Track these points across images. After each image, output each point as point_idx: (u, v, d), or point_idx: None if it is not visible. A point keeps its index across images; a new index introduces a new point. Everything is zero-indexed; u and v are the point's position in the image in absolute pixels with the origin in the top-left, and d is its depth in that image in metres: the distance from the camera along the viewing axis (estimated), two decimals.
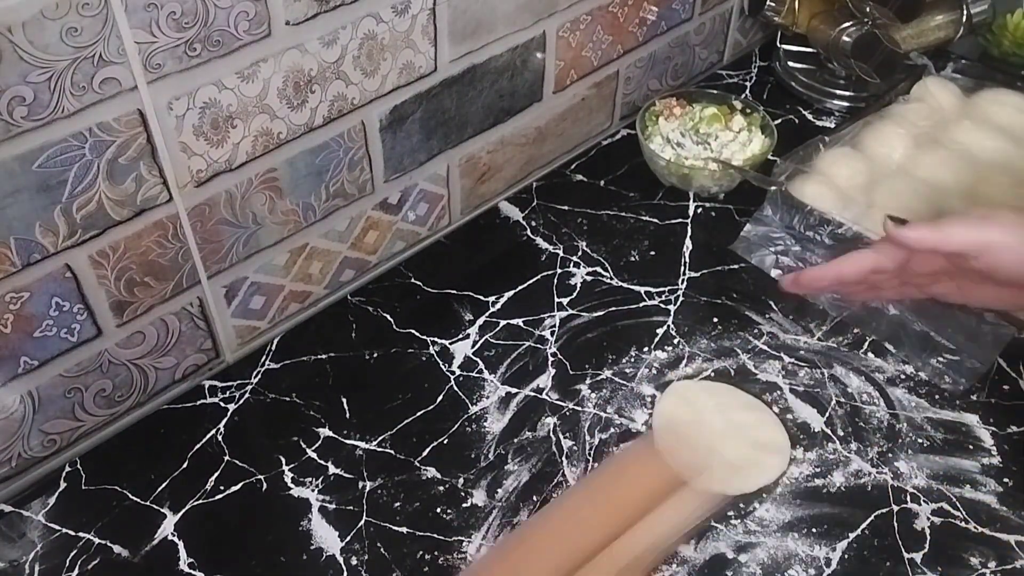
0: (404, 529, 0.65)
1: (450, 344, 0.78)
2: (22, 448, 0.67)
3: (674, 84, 1.08)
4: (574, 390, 0.74)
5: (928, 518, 0.65)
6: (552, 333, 0.79)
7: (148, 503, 0.67)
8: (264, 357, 0.78)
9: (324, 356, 0.78)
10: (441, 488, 0.68)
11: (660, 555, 0.60)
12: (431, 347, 0.78)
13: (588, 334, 0.79)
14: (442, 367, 0.77)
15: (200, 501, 0.67)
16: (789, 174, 0.87)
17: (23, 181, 0.57)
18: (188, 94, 0.62)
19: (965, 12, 1.03)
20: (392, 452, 0.70)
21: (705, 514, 0.61)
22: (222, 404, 0.74)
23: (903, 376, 0.75)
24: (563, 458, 0.70)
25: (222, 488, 0.68)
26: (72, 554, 0.64)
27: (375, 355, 0.78)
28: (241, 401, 0.75)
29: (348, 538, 0.65)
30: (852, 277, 0.64)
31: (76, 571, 0.63)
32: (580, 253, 0.87)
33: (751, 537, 0.64)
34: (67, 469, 0.70)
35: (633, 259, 0.87)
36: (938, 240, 0.59)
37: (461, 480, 0.68)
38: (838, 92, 1.07)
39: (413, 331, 0.80)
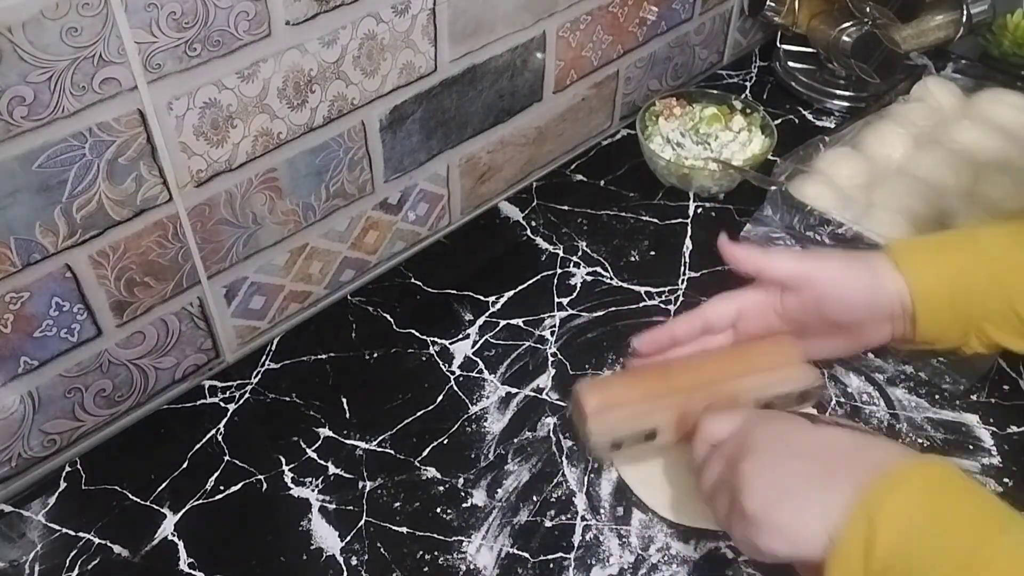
0: (404, 529, 0.65)
1: (450, 344, 0.78)
2: (22, 448, 0.67)
3: (674, 84, 1.08)
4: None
5: None
6: (552, 333, 0.79)
7: (148, 503, 0.67)
8: (264, 357, 0.78)
9: (324, 356, 0.78)
10: (441, 488, 0.68)
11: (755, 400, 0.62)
12: (431, 347, 0.78)
13: (588, 334, 0.79)
14: (442, 367, 0.77)
15: (200, 501, 0.67)
16: (789, 174, 0.87)
17: (23, 181, 0.57)
18: (188, 94, 0.62)
19: (965, 12, 1.03)
20: (392, 452, 0.70)
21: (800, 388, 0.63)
22: (222, 404, 0.74)
23: (903, 376, 0.75)
24: (563, 458, 0.70)
25: (222, 488, 0.68)
26: (72, 554, 0.64)
27: (375, 355, 0.78)
28: (241, 401, 0.75)
29: (348, 538, 0.65)
30: (683, 335, 0.65)
31: (76, 571, 0.63)
32: (580, 253, 0.87)
33: None
34: (67, 469, 0.70)
35: (633, 259, 0.87)
36: (763, 264, 0.62)
37: (461, 480, 0.68)
38: (838, 92, 1.07)
39: (413, 331, 0.80)
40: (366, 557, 0.64)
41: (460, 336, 0.79)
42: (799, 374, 0.63)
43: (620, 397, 0.62)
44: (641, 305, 0.82)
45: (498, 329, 0.80)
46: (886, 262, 0.60)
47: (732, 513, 0.52)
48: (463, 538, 0.65)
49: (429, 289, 0.84)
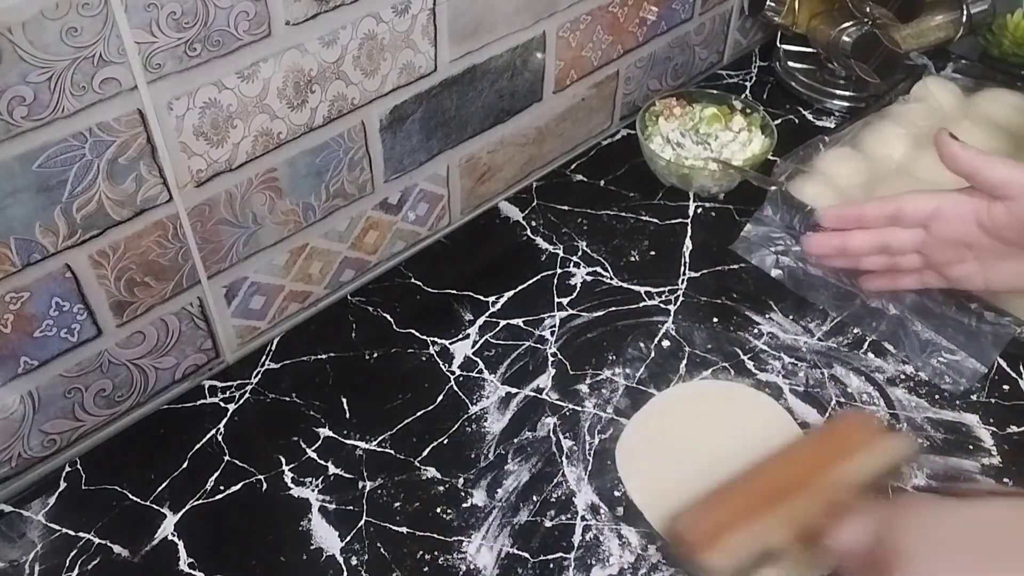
0: (404, 529, 0.65)
1: (450, 344, 0.78)
2: (22, 448, 0.67)
3: (674, 84, 1.08)
4: (574, 390, 0.74)
5: None
6: (552, 333, 0.79)
7: (148, 503, 0.67)
8: (264, 357, 0.78)
9: (324, 356, 0.78)
10: (441, 488, 0.68)
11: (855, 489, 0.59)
12: (431, 347, 0.78)
13: (588, 334, 0.79)
14: (442, 367, 0.77)
15: (200, 501, 0.67)
16: (789, 174, 0.87)
17: (23, 181, 0.57)
18: (188, 94, 0.62)
19: (965, 12, 1.03)
20: (392, 452, 0.70)
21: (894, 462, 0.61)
22: (222, 404, 0.74)
23: (903, 376, 0.75)
24: (563, 458, 0.70)
25: (222, 488, 0.68)
26: (72, 554, 0.64)
27: (375, 355, 0.78)
28: (241, 401, 0.75)
29: (348, 538, 0.65)
30: (872, 218, 0.61)
31: (76, 571, 0.63)
32: (580, 253, 0.87)
33: None
34: (67, 469, 0.70)
35: (633, 259, 0.87)
36: (980, 164, 0.58)
37: (461, 480, 0.68)
38: (838, 92, 1.07)
39: (413, 331, 0.80)
40: (366, 557, 0.64)
41: (460, 336, 0.79)
42: (892, 442, 0.62)
43: (726, 522, 0.58)
44: (641, 305, 0.82)
45: (498, 329, 0.80)
46: None
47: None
48: (463, 538, 0.65)
49: (429, 289, 0.84)
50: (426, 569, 0.63)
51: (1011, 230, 0.58)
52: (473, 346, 0.78)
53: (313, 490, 0.68)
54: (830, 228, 0.62)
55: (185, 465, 0.70)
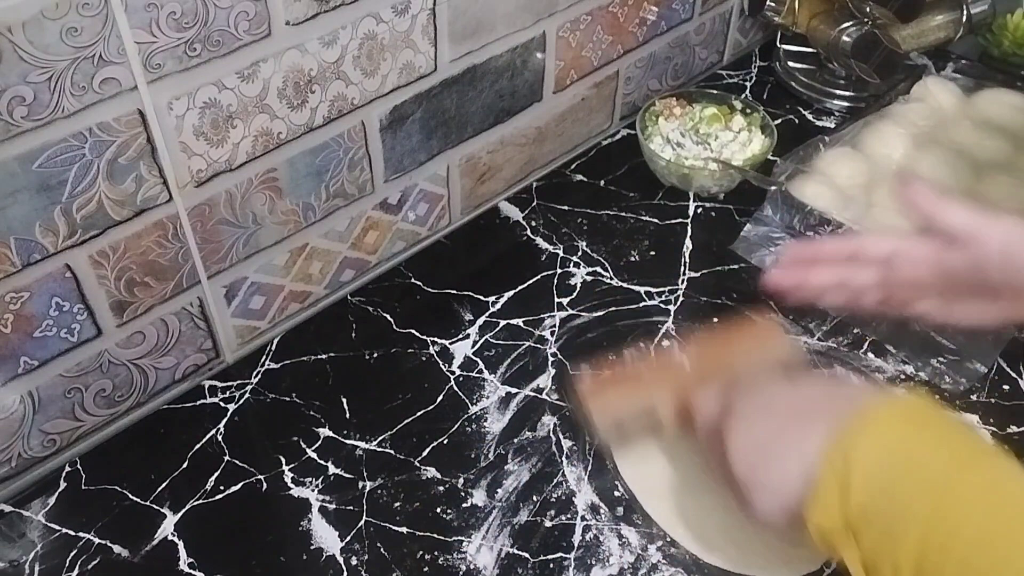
0: (404, 529, 0.65)
1: (450, 344, 0.78)
2: (22, 448, 0.67)
3: (674, 84, 1.08)
4: (574, 390, 0.74)
5: None
6: (552, 333, 0.79)
7: (148, 503, 0.67)
8: (264, 357, 0.78)
9: (324, 356, 0.78)
10: (441, 488, 0.68)
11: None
12: (431, 347, 0.78)
13: (588, 334, 0.79)
14: (442, 367, 0.77)
15: (200, 501, 0.67)
16: (789, 174, 0.87)
17: (23, 181, 0.57)
18: (188, 94, 0.62)
19: (965, 12, 1.03)
20: (392, 452, 0.70)
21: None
22: (222, 404, 0.74)
23: (903, 376, 0.75)
24: (563, 458, 0.70)
25: (222, 488, 0.68)
26: (72, 554, 0.64)
27: (375, 355, 0.78)
28: (241, 401, 0.75)
29: (348, 538, 0.65)
30: (830, 253, 0.64)
31: (76, 571, 0.63)
32: (580, 253, 0.87)
33: None
34: (67, 469, 0.70)
35: (633, 259, 0.87)
36: (937, 210, 0.59)
37: (461, 480, 0.68)
38: (838, 92, 1.07)
39: (413, 331, 0.80)
40: (366, 557, 0.64)
41: (460, 336, 0.79)
42: (778, 345, 0.67)
43: (618, 382, 0.66)
44: (641, 305, 0.82)
45: (498, 329, 0.80)
46: None
47: (734, 488, 0.53)
48: (463, 538, 0.65)
49: (429, 289, 0.84)
50: (426, 569, 0.63)
51: (965, 273, 0.59)
52: (473, 346, 0.78)
53: (313, 490, 0.68)
54: (787, 268, 0.64)
55: (185, 465, 0.70)
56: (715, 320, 0.79)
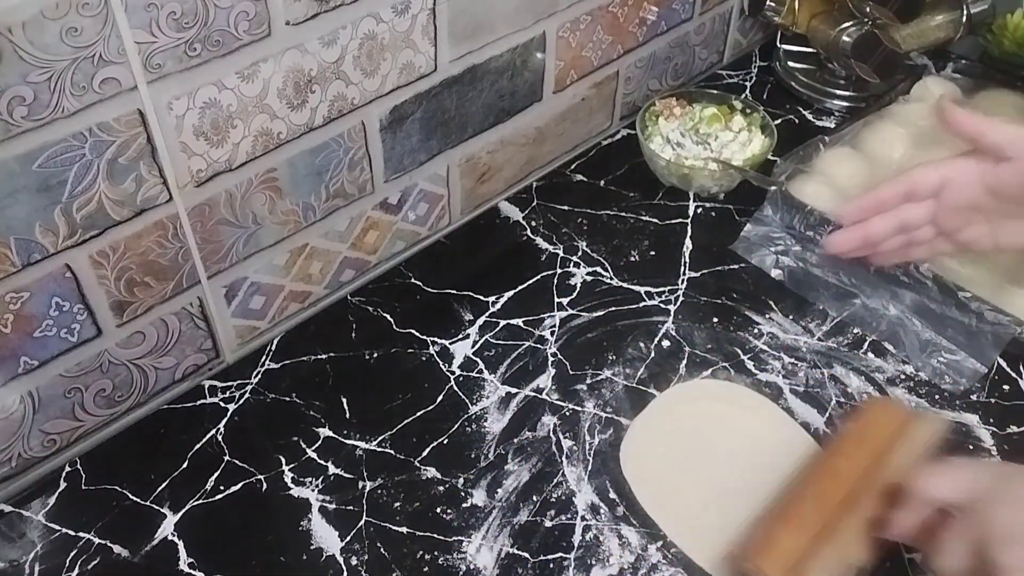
0: (404, 529, 0.65)
1: (450, 344, 0.78)
2: (22, 448, 0.67)
3: (674, 84, 1.08)
4: (574, 390, 0.74)
5: None
6: (552, 333, 0.79)
7: (148, 503, 0.67)
8: (264, 357, 0.78)
9: (324, 356, 0.78)
10: (441, 488, 0.68)
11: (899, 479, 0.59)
12: (431, 347, 0.78)
13: (588, 334, 0.79)
14: (442, 367, 0.77)
15: (200, 501, 0.67)
16: (789, 174, 0.87)
17: (23, 181, 0.57)
18: (188, 94, 0.62)
19: (965, 12, 1.03)
20: (392, 452, 0.70)
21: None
22: (222, 404, 0.74)
23: (903, 376, 0.75)
24: (563, 458, 0.70)
25: (222, 488, 0.68)
26: (72, 554, 0.64)
27: (375, 355, 0.78)
28: (241, 401, 0.75)
29: (348, 538, 0.65)
30: (888, 201, 0.63)
31: (76, 571, 0.63)
32: (580, 253, 0.87)
33: None
34: (67, 469, 0.70)
35: (633, 259, 0.87)
36: (984, 128, 0.59)
37: (461, 480, 0.68)
38: (838, 92, 1.07)
39: (413, 331, 0.80)
40: (366, 557, 0.64)
41: (460, 336, 0.79)
42: (926, 424, 0.63)
43: (796, 549, 0.57)
44: (641, 305, 0.82)
45: (498, 329, 0.80)
46: None
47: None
48: (463, 538, 0.65)
49: (429, 289, 0.84)
50: (426, 569, 0.63)
51: (1018, 188, 0.59)
52: (473, 346, 0.78)
53: (313, 490, 0.68)
54: (852, 223, 0.63)
55: (185, 465, 0.70)
56: (834, 424, 0.71)
